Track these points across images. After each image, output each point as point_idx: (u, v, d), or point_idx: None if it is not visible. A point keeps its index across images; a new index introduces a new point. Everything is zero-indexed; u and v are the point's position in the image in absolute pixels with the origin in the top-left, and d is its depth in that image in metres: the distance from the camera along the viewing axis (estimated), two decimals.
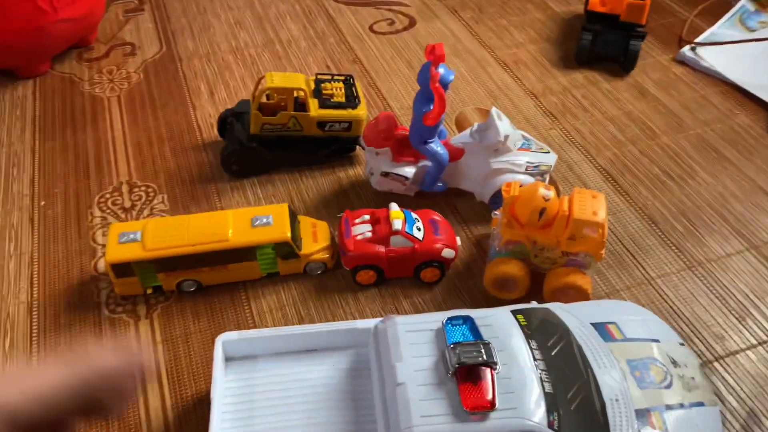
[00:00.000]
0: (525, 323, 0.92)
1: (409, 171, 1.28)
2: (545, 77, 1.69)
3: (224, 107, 1.57)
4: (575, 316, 0.97)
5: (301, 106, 1.34)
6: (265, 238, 1.12)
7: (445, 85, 1.18)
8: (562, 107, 1.60)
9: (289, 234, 1.13)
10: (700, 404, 0.89)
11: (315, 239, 1.19)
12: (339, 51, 1.79)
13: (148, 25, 1.90)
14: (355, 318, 1.14)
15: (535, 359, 0.87)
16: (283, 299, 1.17)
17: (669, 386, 0.90)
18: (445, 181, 1.33)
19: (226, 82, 1.68)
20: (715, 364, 1.08)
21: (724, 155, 1.48)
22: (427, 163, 1.29)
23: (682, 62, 1.74)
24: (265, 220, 1.14)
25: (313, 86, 1.39)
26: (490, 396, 0.80)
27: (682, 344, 0.97)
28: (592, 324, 0.96)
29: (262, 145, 1.36)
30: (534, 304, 0.99)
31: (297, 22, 1.90)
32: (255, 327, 1.12)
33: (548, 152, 1.32)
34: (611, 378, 0.89)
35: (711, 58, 1.71)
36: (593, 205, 1.08)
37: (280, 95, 1.35)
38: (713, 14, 1.90)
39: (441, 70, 1.18)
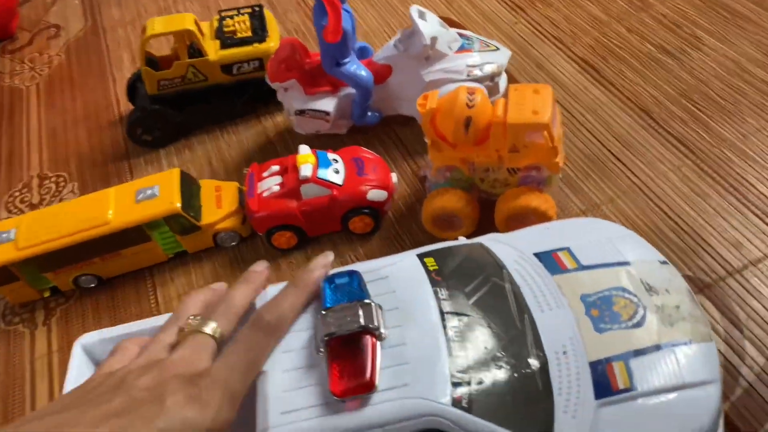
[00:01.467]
0: (435, 268, 0.69)
1: (327, 104, 1.06)
2: None
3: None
4: (515, 248, 0.74)
5: (198, 52, 1.14)
6: (150, 212, 0.94)
7: None
8: None
9: (178, 204, 0.94)
10: (686, 343, 0.64)
11: (219, 205, 1.00)
12: None
13: (75, 1, 1.73)
14: None
15: (444, 314, 0.64)
16: (193, 281, 0.99)
17: (640, 323, 0.65)
18: (378, 108, 1.10)
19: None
20: (730, 280, 0.82)
21: (740, 12, 1.16)
22: (351, 90, 1.06)
23: None
24: (150, 192, 0.96)
25: (216, 25, 1.18)
26: (368, 374, 0.59)
27: (664, 263, 0.72)
28: (537, 254, 0.72)
29: (167, 105, 1.17)
30: (462, 240, 0.76)
31: None
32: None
33: (497, 49, 1.06)
34: (557, 323, 0.65)
35: None
36: (534, 103, 0.83)
37: (174, 44, 1.16)
38: None
39: None
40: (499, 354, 0.63)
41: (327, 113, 1.06)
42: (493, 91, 1.05)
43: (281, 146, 1.16)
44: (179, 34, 1.10)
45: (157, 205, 0.94)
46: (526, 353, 0.63)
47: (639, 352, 0.63)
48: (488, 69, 1.03)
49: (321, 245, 0.99)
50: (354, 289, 0.67)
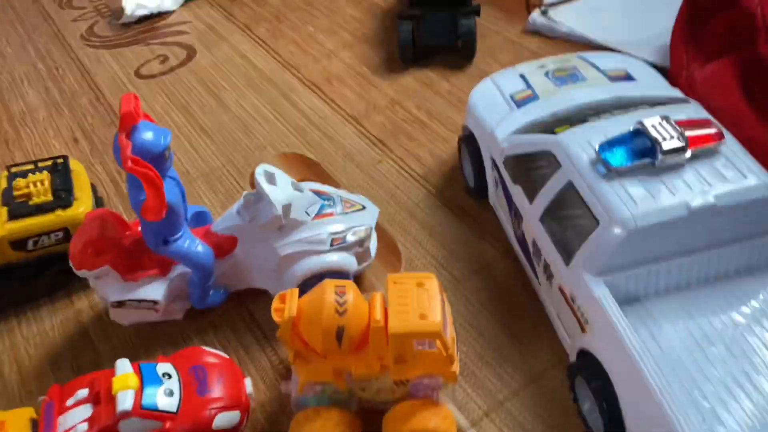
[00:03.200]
0: None
1: (154, 290, 0.82)
2: (367, 91, 1.28)
3: None
4: None
5: None
6: None
7: (154, 156, 0.73)
8: (393, 127, 1.18)
9: None
10: None
11: None
12: (92, 113, 1.32)
13: None
14: None
15: None
16: None
17: None
18: (224, 284, 0.88)
19: None
20: None
21: None
22: (185, 269, 0.84)
23: (536, 32, 1.36)
24: None
25: (4, 186, 0.92)
26: None
27: None
28: None
29: None
30: None
31: (36, 87, 1.41)
32: None
33: (363, 208, 0.89)
34: None
35: (567, 19, 1.34)
36: (419, 302, 0.66)
37: None
38: None
39: (146, 134, 0.73)
40: None
41: (155, 302, 0.82)
42: (363, 257, 0.88)
43: (100, 338, 0.90)
44: None
45: None
46: None
47: None
48: (356, 236, 0.85)
49: None
50: None
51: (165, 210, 0.75)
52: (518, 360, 0.81)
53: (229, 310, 0.91)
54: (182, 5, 1.62)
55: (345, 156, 1.13)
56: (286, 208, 0.81)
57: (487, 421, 0.76)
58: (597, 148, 0.74)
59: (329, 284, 0.67)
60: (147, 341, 0.88)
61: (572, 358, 0.75)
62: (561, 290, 0.75)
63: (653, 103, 0.84)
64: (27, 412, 0.76)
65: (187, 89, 1.35)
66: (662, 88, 0.93)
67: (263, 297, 0.91)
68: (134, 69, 1.43)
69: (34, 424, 0.74)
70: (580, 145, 0.77)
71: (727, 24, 1.13)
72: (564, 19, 1.35)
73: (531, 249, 0.83)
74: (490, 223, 0.97)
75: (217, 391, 0.73)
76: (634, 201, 0.70)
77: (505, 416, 0.76)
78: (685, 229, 0.70)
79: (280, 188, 0.82)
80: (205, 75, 1.38)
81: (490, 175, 0.94)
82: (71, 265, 0.82)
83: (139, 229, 0.84)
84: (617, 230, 0.69)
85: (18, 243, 0.88)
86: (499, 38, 1.37)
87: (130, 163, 0.69)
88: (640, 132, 0.74)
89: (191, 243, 0.82)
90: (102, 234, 0.81)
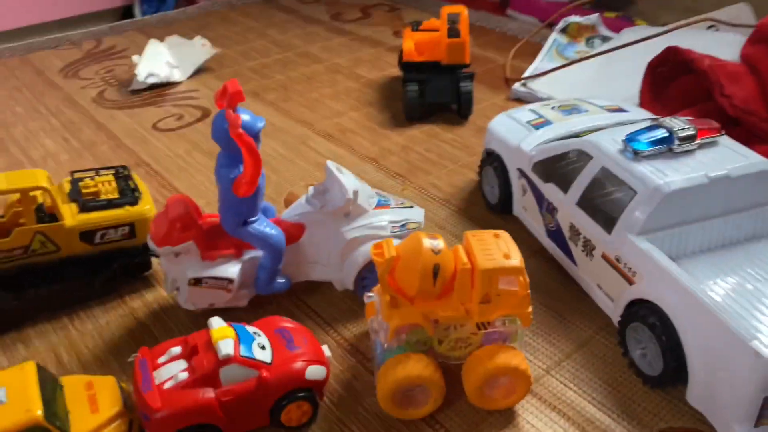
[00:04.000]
0: None
1: (231, 269, 0.87)
2: (379, 140, 1.41)
3: None
4: None
5: (49, 216, 0.90)
6: None
7: (253, 134, 0.82)
8: (409, 166, 1.31)
9: (39, 411, 0.65)
10: None
11: (94, 407, 0.72)
12: (115, 156, 1.38)
13: None
14: None
15: None
16: None
17: None
18: (287, 275, 0.94)
19: None
20: None
21: None
22: (256, 253, 0.89)
23: (519, 99, 1.57)
24: None
25: (68, 188, 0.96)
26: None
27: None
28: None
29: (1, 285, 0.88)
30: None
31: (54, 137, 1.47)
32: None
33: (412, 206, 0.99)
34: None
35: (545, 88, 1.56)
36: (499, 247, 0.75)
37: (13, 207, 0.91)
38: (528, 54, 1.79)
39: (245, 116, 0.83)
40: None
41: (230, 281, 0.87)
42: None
43: (160, 330, 0.92)
44: (25, 192, 0.87)
45: (7, 416, 0.64)
46: None
47: None
48: (411, 226, 0.95)
49: None
50: None
51: (256, 187, 0.83)
52: (565, 331, 0.90)
53: (284, 303, 0.95)
54: (189, 77, 1.75)
55: (371, 185, 1.24)
56: (356, 193, 0.90)
57: (549, 377, 0.83)
58: (624, 138, 0.89)
59: (421, 234, 0.75)
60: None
61: (616, 318, 0.85)
62: (604, 257, 0.87)
63: None
64: (110, 378, 0.77)
65: (207, 139, 1.43)
66: (651, 117, 1.12)
67: (316, 290, 0.97)
68: (151, 124, 1.51)
69: (120, 388, 0.76)
70: (606, 141, 0.92)
71: (684, 86, 1.37)
72: (542, 88, 1.56)
73: (567, 234, 0.94)
74: (516, 231, 1.08)
75: (304, 347, 0.78)
76: (663, 173, 0.84)
77: (564, 373, 0.84)
78: (706, 196, 0.84)
79: (348, 177, 0.91)
80: None
81: (516, 185, 1.07)
82: (152, 243, 0.86)
83: (215, 219, 0.90)
84: (653, 195, 0.82)
85: (86, 234, 0.91)
86: (488, 103, 1.56)
87: (239, 131, 0.78)
88: (656, 126, 0.90)
89: (267, 226, 0.88)
90: (186, 214, 0.86)
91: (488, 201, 1.15)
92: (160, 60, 1.72)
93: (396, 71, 1.74)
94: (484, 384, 0.76)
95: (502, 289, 0.74)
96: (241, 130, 0.79)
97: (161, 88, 1.69)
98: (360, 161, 1.33)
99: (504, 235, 0.78)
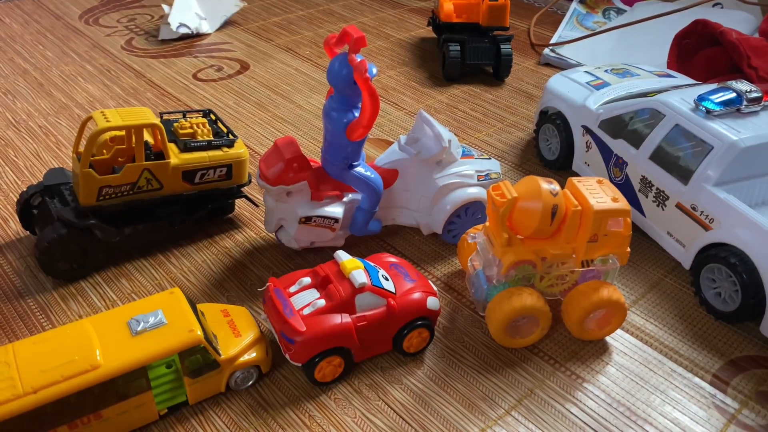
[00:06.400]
0: None
1: (337, 210, 0.92)
2: (423, 98, 1.46)
3: (18, 192, 1.07)
4: None
5: (155, 154, 0.92)
6: (162, 347, 0.67)
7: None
8: (457, 123, 1.36)
9: (199, 332, 0.69)
10: None
11: (237, 332, 0.76)
12: (164, 104, 1.38)
13: None
14: None
15: None
16: None
17: None
18: (378, 218, 0.99)
19: (12, 161, 1.17)
20: None
21: None
22: (356, 196, 0.94)
23: (548, 64, 1.63)
24: (152, 321, 0.69)
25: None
26: None
27: None
28: None
29: (105, 220, 0.90)
30: None
31: (93, 82, 1.45)
32: None
33: (489, 158, 1.05)
34: None
35: (573, 54, 1.63)
36: (605, 192, 0.82)
37: (116, 144, 0.92)
38: (547, 22, 1.86)
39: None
40: None
41: (336, 220, 0.91)
42: None
43: (258, 266, 0.95)
44: (139, 129, 0.88)
45: (170, 337, 0.68)
46: None
47: None
48: (493, 176, 1.01)
49: (366, 374, 0.80)
50: None
51: (369, 131, 0.87)
52: (636, 274, 0.98)
53: (371, 245, 1.00)
54: (217, 30, 1.74)
55: None
56: (451, 142, 0.95)
57: (630, 313, 0.91)
58: (695, 98, 0.97)
59: (534, 177, 0.82)
60: (307, 266, 0.95)
61: (688, 262, 0.94)
62: (679, 206, 0.95)
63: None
64: (242, 308, 0.81)
65: (253, 90, 1.45)
66: (696, 82, 1.20)
67: (402, 235, 1.02)
68: (191, 74, 1.51)
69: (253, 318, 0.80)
70: (677, 101, 0.99)
71: (708, 57, 1.46)
72: (571, 54, 1.63)
73: (637, 186, 1.02)
74: None
75: (419, 281, 0.83)
76: (736, 130, 0.92)
77: (642, 310, 0.92)
78: None
79: (440, 127, 0.96)
80: (265, 81, 1.50)
81: (580, 141, 1.14)
82: (262, 182, 0.89)
83: (316, 162, 0.93)
84: (729, 150, 0.90)
85: (188, 174, 0.93)
86: (521, 67, 1.62)
87: (367, 75, 0.82)
88: (723, 89, 0.98)
89: (368, 169, 0.93)
90: (296, 154, 0.90)
91: (544, 157, 1.22)
92: (189, 10, 1.71)
93: (424, 32, 1.78)
94: (586, 318, 0.83)
95: (609, 229, 0.81)
96: (368, 75, 0.82)
97: (190, 39, 1.69)
98: (408, 117, 1.37)
99: (606, 181, 0.85)
